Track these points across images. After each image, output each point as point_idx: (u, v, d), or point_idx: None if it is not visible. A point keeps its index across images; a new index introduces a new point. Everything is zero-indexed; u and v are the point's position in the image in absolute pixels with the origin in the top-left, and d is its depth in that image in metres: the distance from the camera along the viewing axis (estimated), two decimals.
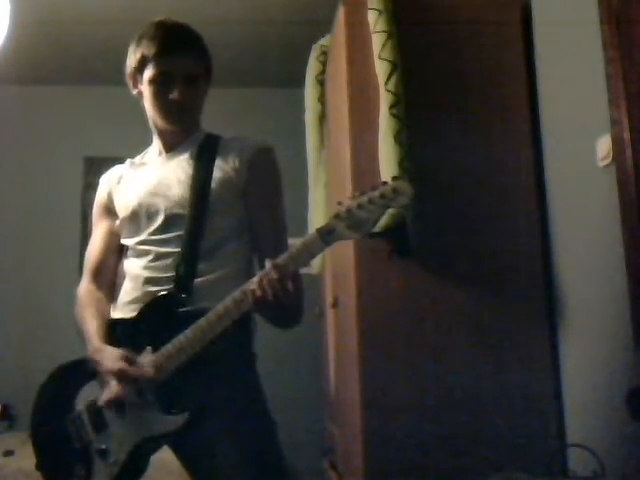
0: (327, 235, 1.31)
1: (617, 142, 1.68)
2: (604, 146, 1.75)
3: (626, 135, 1.65)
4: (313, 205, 2.75)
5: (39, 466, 1.53)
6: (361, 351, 2.00)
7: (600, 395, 1.80)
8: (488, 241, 2.09)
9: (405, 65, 2.03)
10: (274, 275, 1.30)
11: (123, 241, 1.64)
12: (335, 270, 2.50)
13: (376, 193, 1.27)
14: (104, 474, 1.44)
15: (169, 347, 1.41)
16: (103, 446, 1.45)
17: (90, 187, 3.88)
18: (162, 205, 1.56)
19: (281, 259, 1.33)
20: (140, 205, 1.59)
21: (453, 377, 1.99)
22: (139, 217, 1.59)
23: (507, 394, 1.98)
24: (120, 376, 1.42)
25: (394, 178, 1.38)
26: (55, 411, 1.55)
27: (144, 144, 1.76)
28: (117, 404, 1.44)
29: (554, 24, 2.11)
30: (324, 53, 2.69)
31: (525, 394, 1.99)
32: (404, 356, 2.00)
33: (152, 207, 1.57)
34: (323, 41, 2.71)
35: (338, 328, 2.45)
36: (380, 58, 2.03)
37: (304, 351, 3.35)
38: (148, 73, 1.57)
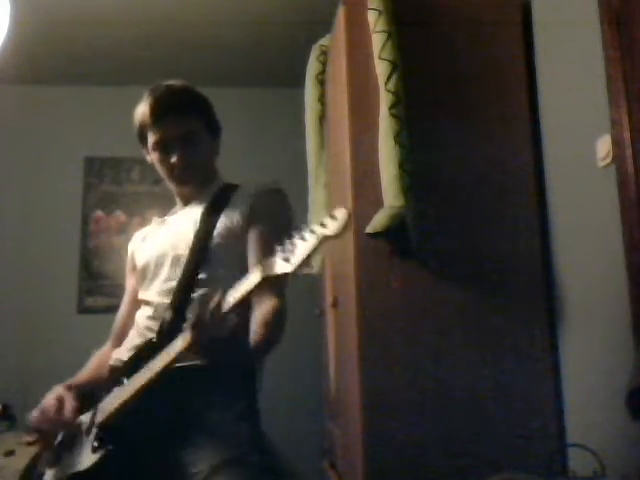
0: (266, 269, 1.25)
1: (617, 142, 1.68)
2: (604, 146, 1.75)
3: (626, 135, 1.65)
4: (313, 206, 2.75)
5: None
6: (361, 351, 2.00)
7: (600, 395, 1.80)
8: (488, 241, 2.09)
9: (405, 65, 2.03)
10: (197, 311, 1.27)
11: (139, 295, 1.68)
12: (335, 270, 2.50)
13: (307, 230, 1.24)
14: None
15: (124, 385, 1.43)
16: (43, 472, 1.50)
17: (90, 187, 3.89)
18: (168, 258, 1.59)
19: (239, 283, 1.27)
20: (150, 259, 1.63)
21: (453, 377, 1.99)
22: (149, 270, 1.63)
23: (507, 394, 1.98)
24: (39, 411, 1.49)
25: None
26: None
27: None
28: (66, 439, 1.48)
29: (554, 24, 2.11)
30: (324, 53, 2.69)
31: (525, 394, 1.99)
32: (404, 356, 2.00)
33: (159, 260, 1.61)
34: (323, 41, 2.70)
35: (338, 328, 2.45)
36: (380, 58, 2.03)
37: (304, 351, 3.35)
38: (149, 140, 1.63)
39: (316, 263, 2.66)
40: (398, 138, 1.95)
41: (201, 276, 1.53)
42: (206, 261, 1.54)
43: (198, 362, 1.40)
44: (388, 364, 1.99)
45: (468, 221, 2.10)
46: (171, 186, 1.69)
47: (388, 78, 2.00)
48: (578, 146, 1.92)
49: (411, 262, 2.04)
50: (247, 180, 1.72)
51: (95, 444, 1.40)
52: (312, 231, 1.18)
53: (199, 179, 1.67)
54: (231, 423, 1.45)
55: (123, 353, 1.58)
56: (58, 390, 1.52)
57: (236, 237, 1.57)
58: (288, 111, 3.32)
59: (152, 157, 1.66)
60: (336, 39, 2.41)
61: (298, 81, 2.90)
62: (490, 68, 2.20)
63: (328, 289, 2.67)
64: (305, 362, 3.37)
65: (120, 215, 3.81)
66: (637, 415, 1.40)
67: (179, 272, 1.55)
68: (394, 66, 2.01)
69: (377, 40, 2.05)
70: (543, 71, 2.18)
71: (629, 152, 1.64)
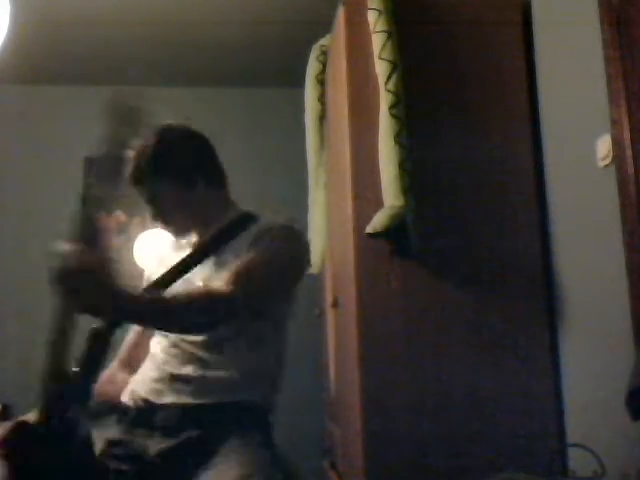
0: None
1: (617, 142, 1.68)
2: (604, 146, 1.75)
3: (626, 135, 1.65)
4: (313, 206, 2.75)
5: None
6: (361, 351, 2.00)
7: (600, 395, 1.80)
8: (488, 241, 2.09)
9: (405, 65, 2.03)
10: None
11: None
12: (335, 270, 2.50)
13: None
14: None
15: None
16: None
17: (90, 187, 3.88)
18: (171, 288, 1.58)
19: None
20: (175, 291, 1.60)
21: (453, 377, 1.99)
22: None
23: (507, 394, 1.98)
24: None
25: None
26: None
27: None
28: None
29: (554, 24, 2.11)
30: (324, 53, 2.69)
31: (525, 394, 1.99)
32: (404, 356, 2.00)
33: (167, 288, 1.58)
34: (323, 41, 2.71)
35: (338, 328, 2.45)
36: (380, 58, 2.03)
37: (304, 351, 3.35)
38: None
39: (316, 263, 2.66)
40: (398, 138, 1.95)
41: None
42: None
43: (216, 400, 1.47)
44: (388, 364, 1.99)
45: (468, 221, 2.10)
46: None
47: (388, 78, 2.00)
48: (578, 146, 1.92)
49: (411, 262, 2.04)
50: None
51: None
52: None
53: (187, 224, 1.71)
54: (252, 448, 1.45)
55: (139, 385, 1.59)
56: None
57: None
58: (288, 111, 3.32)
59: None
60: (336, 39, 2.41)
61: (298, 81, 2.90)
62: (490, 68, 2.20)
63: (328, 289, 2.67)
64: (305, 362, 3.37)
65: (120, 215, 3.81)
66: (637, 415, 1.40)
67: None
68: (394, 66, 2.01)
69: (377, 40, 2.05)
70: (543, 71, 2.18)
71: (629, 152, 1.64)
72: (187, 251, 1.69)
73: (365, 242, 2.02)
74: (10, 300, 3.70)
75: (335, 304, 2.40)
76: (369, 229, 1.97)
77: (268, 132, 3.96)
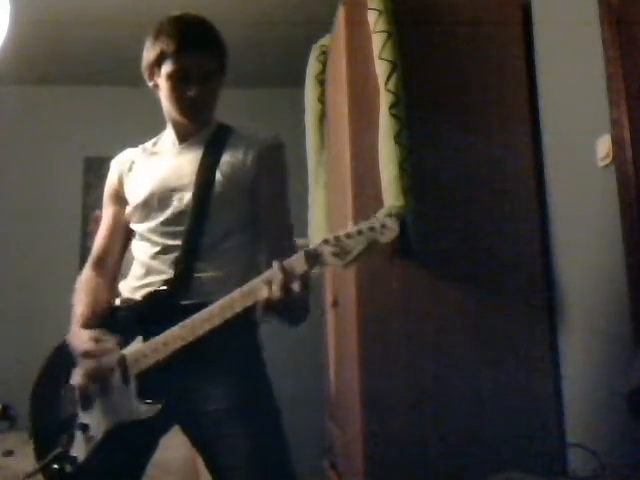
0: (312, 258, 1.34)
1: (617, 142, 1.68)
2: (604, 146, 1.75)
3: (626, 135, 1.65)
4: (313, 205, 2.75)
5: (31, 433, 1.57)
6: (361, 351, 2.00)
7: (600, 395, 1.80)
8: (488, 241, 2.09)
9: (405, 65, 2.03)
10: (280, 276, 1.33)
11: (132, 226, 1.66)
12: (335, 270, 2.50)
13: (366, 224, 1.32)
14: (81, 447, 1.48)
15: (157, 339, 1.44)
16: (85, 421, 1.48)
17: (90, 187, 3.89)
18: (174, 197, 1.57)
19: (287, 262, 1.34)
20: (152, 195, 1.59)
21: (453, 377, 1.99)
22: (150, 206, 1.60)
23: (507, 394, 1.98)
24: (85, 355, 1.47)
25: (390, 210, 1.40)
26: (51, 383, 1.58)
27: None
28: (101, 387, 1.48)
29: (554, 24, 2.11)
30: (324, 53, 2.69)
31: (525, 394, 1.99)
32: (404, 356, 2.00)
33: (164, 198, 1.58)
34: (323, 41, 2.71)
35: (338, 328, 2.45)
36: (380, 58, 2.03)
37: (304, 351, 3.35)
38: (166, 69, 1.57)
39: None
40: (398, 138, 1.96)
41: (206, 221, 1.54)
42: (210, 207, 1.55)
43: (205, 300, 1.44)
44: (388, 364, 1.99)
45: (468, 221, 2.10)
46: (174, 118, 1.63)
47: (388, 78, 2.00)
48: (578, 146, 1.92)
49: (411, 262, 2.04)
50: None
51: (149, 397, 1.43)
52: (361, 232, 1.30)
53: (206, 118, 1.66)
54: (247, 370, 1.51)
55: (130, 290, 1.58)
56: (82, 333, 1.51)
57: (240, 185, 1.58)
58: (288, 111, 3.32)
59: (162, 84, 1.60)
60: (336, 39, 2.41)
61: (298, 81, 2.90)
62: (490, 68, 2.20)
63: (328, 289, 2.67)
64: (305, 362, 3.37)
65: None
66: (637, 415, 1.40)
67: (186, 209, 1.55)
68: (394, 66, 2.01)
69: (377, 40, 2.05)
70: (543, 71, 2.18)
71: (629, 152, 1.64)
72: (164, 158, 1.65)
73: None
74: (10, 300, 3.70)
75: (335, 304, 2.41)
76: None
77: (268, 132, 3.96)
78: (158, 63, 1.59)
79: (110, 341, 1.48)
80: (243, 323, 1.47)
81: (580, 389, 1.94)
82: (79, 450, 1.47)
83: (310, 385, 3.22)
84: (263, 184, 1.59)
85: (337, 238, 1.32)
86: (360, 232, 1.31)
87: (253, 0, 3.16)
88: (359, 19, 2.14)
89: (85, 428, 1.47)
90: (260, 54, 3.65)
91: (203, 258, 1.53)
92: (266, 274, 1.36)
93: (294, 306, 1.37)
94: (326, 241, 1.33)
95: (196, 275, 1.51)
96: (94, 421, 1.48)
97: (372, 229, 1.31)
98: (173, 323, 1.43)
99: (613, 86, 1.70)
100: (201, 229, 1.54)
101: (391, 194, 1.94)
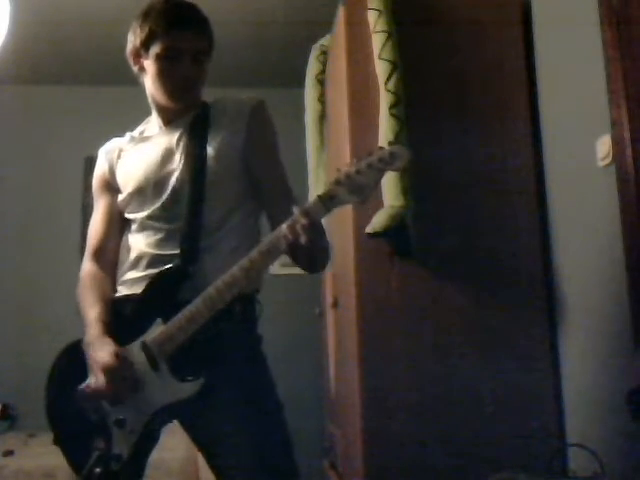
0: (328, 201, 1.33)
1: (617, 142, 1.68)
2: (604, 146, 1.75)
3: (626, 135, 1.65)
4: None
5: (57, 440, 1.52)
6: (361, 351, 2.01)
7: (600, 395, 1.81)
8: (488, 241, 2.09)
9: (405, 65, 2.03)
10: (304, 220, 1.31)
11: (127, 216, 1.63)
12: (335, 270, 2.50)
13: (374, 158, 1.31)
14: (123, 443, 1.44)
15: (180, 317, 1.41)
16: (120, 416, 1.45)
17: (90, 187, 3.89)
18: (169, 180, 1.56)
19: (305, 207, 1.35)
20: (147, 180, 1.57)
21: (453, 377, 1.99)
22: (145, 192, 1.58)
23: (507, 394, 1.98)
24: (106, 370, 1.42)
25: (390, 143, 1.40)
26: (70, 385, 1.52)
27: None
28: (130, 385, 1.44)
29: (554, 24, 2.11)
30: (324, 53, 2.69)
31: (525, 394, 1.99)
32: (404, 356, 2.00)
33: (159, 182, 1.56)
34: (323, 41, 2.71)
35: (338, 328, 2.45)
36: (380, 58, 2.03)
37: (304, 351, 3.35)
38: (156, 49, 1.54)
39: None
40: (398, 138, 1.95)
41: (205, 199, 1.53)
42: (207, 183, 1.53)
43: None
44: (388, 364, 1.99)
45: (468, 221, 2.10)
46: (161, 101, 1.60)
47: (388, 78, 2.00)
48: (578, 146, 1.92)
49: (411, 262, 2.04)
50: None
51: (185, 376, 1.42)
52: (371, 166, 1.30)
53: (194, 99, 1.63)
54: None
55: (134, 286, 1.54)
56: (105, 344, 1.45)
57: (234, 153, 1.56)
58: (288, 111, 3.32)
59: (150, 67, 1.57)
60: (336, 39, 2.41)
61: (298, 81, 2.90)
62: (490, 68, 2.20)
63: (328, 289, 2.67)
64: (305, 362, 3.37)
65: None
66: (637, 415, 1.40)
67: (182, 190, 1.53)
68: (394, 66, 2.01)
69: (377, 40, 2.05)
70: (543, 71, 2.18)
71: (629, 152, 1.64)
72: (153, 142, 1.63)
73: (365, 242, 2.02)
74: (10, 300, 3.71)
75: (335, 304, 2.41)
76: (369, 229, 1.97)
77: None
78: (146, 45, 1.56)
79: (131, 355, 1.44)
80: (242, 318, 1.47)
81: (580, 389, 1.94)
82: (121, 446, 1.44)
83: (310, 385, 3.22)
84: (256, 146, 1.58)
85: (348, 176, 1.31)
86: (370, 165, 1.30)
87: (253, 0, 3.16)
88: (359, 19, 2.14)
89: (121, 423, 1.44)
90: (260, 54, 3.65)
91: (209, 234, 1.51)
92: (287, 222, 1.34)
93: (317, 252, 1.38)
94: (338, 182, 1.32)
95: (204, 251, 1.50)
96: (130, 414, 1.44)
97: (381, 160, 1.30)
98: (184, 302, 1.41)
99: (613, 86, 1.70)
100: (201, 206, 1.52)
101: (391, 194, 1.94)
